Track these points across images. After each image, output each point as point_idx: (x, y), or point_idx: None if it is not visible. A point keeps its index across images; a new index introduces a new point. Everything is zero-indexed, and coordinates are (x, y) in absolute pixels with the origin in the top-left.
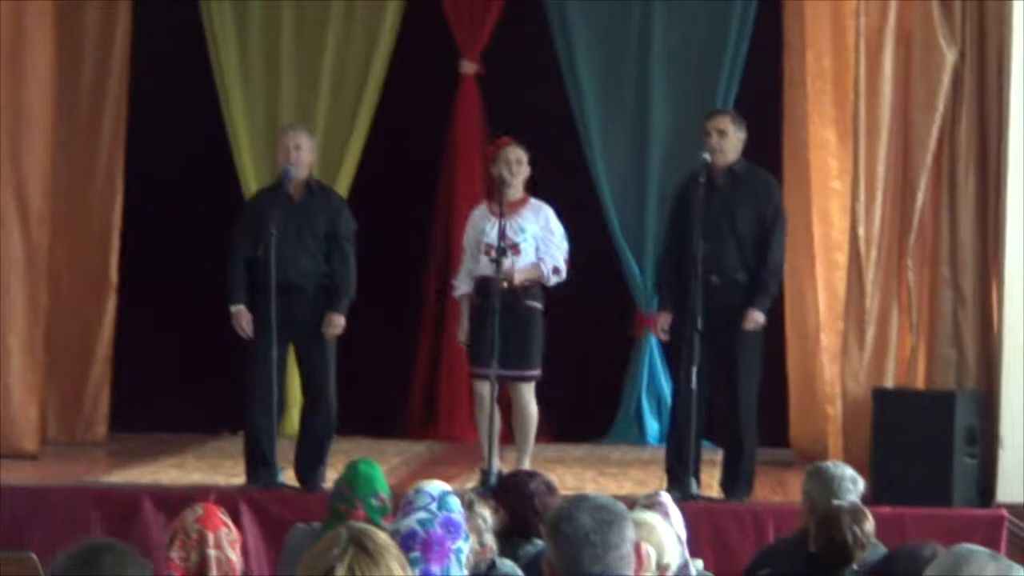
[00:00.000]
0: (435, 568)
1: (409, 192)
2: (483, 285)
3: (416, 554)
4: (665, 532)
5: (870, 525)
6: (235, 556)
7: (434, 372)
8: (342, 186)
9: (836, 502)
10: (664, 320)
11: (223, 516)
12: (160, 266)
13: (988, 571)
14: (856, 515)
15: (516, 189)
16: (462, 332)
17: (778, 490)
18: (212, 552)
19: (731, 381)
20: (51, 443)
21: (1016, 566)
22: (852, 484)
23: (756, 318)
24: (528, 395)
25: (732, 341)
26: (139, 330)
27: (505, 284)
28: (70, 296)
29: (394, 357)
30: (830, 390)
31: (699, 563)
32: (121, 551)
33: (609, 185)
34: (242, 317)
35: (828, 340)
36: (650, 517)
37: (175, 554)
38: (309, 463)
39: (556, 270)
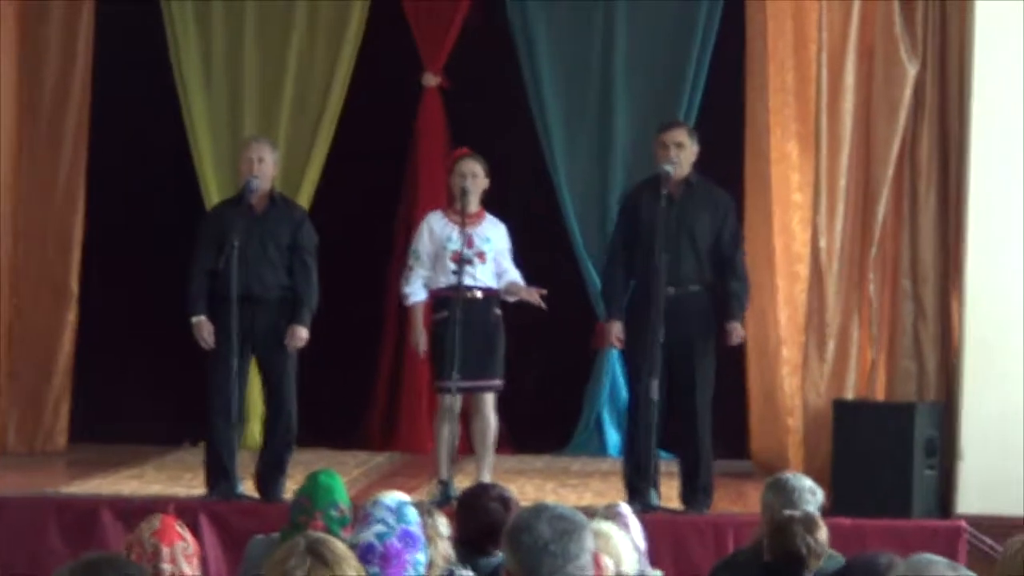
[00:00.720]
0: None
1: (372, 204)
2: (446, 296)
3: (375, 568)
4: (621, 541)
5: (823, 534)
6: (190, 570)
7: (395, 384)
8: (304, 197)
9: (788, 512)
10: (618, 328)
11: (180, 529)
12: (122, 276)
13: None
14: (808, 524)
15: (474, 202)
16: (422, 340)
17: (738, 501)
18: (167, 567)
19: (687, 392)
20: (10, 453)
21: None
22: (811, 495)
23: (739, 331)
24: (492, 405)
25: (689, 353)
26: (100, 340)
27: (479, 294)
28: (31, 305)
29: (355, 369)
30: (790, 402)
31: (658, 574)
32: (121, 563)
33: (571, 197)
34: (203, 328)
35: (789, 352)
36: (605, 526)
37: None
38: (269, 474)
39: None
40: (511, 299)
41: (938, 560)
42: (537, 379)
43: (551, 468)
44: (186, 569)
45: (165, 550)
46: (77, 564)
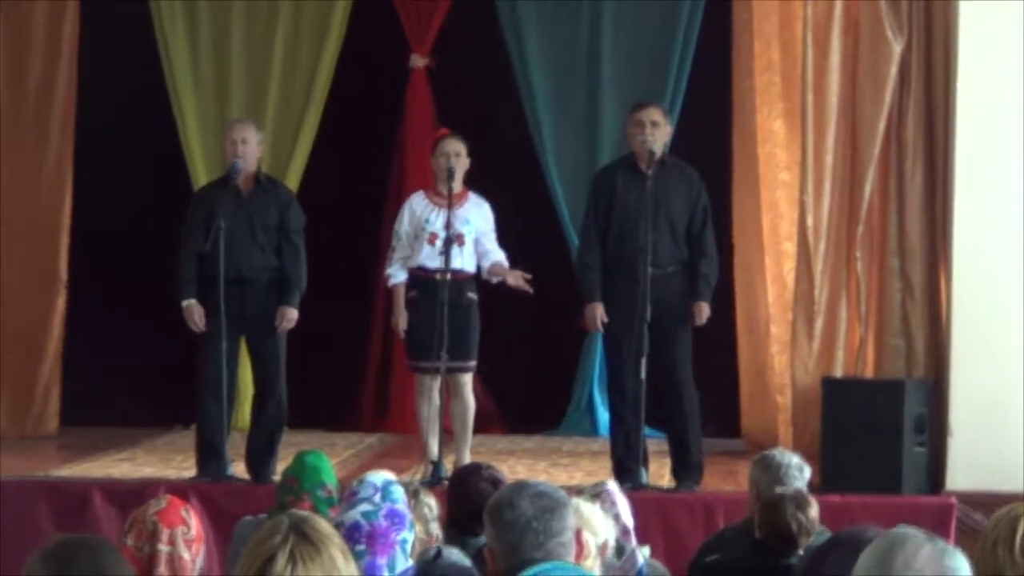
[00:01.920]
0: (381, 560)
1: (360, 186)
2: (425, 275)
3: (361, 547)
4: (591, 511)
5: (814, 512)
6: (189, 555)
7: (386, 365)
8: (293, 179)
9: (779, 489)
10: (601, 311)
11: (186, 514)
12: (110, 261)
13: (923, 553)
14: (799, 502)
15: (457, 181)
16: (401, 320)
17: (729, 479)
18: (163, 548)
19: (671, 372)
20: (2, 437)
21: (952, 548)
22: (798, 472)
23: (706, 311)
24: (469, 386)
25: (669, 332)
26: (90, 325)
27: (449, 276)
28: (20, 292)
29: (346, 350)
30: (780, 380)
31: (646, 550)
32: (94, 544)
33: (560, 177)
34: (193, 311)
35: (778, 331)
36: (580, 504)
37: (130, 542)
38: (260, 456)
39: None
40: (495, 280)
41: (915, 532)
42: (528, 360)
43: (542, 448)
44: (184, 553)
45: (164, 531)
46: (51, 546)
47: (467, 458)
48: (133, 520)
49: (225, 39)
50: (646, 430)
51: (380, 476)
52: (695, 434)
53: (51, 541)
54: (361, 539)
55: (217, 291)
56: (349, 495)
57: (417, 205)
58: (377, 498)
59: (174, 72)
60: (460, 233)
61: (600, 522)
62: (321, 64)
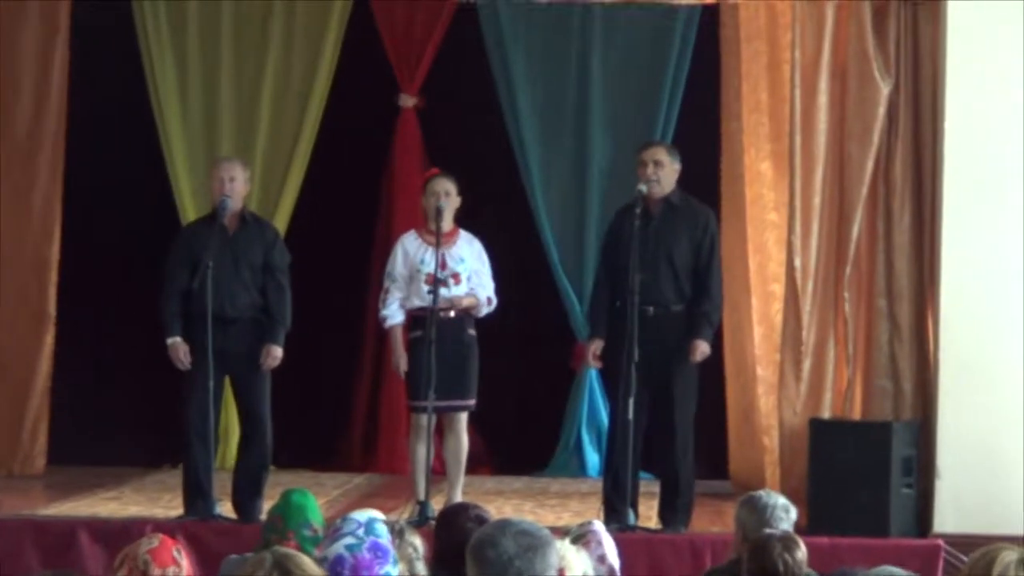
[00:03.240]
0: None
1: (349, 224)
2: (421, 316)
3: None
4: (563, 548)
5: (802, 553)
6: None
7: (374, 405)
8: (282, 217)
9: (767, 531)
10: (596, 347)
11: (177, 554)
12: (99, 298)
13: None
14: (787, 543)
15: (447, 220)
16: (402, 362)
17: (716, 521)
18: None
19: (667, 412)
20: None
21: None
22: (784, 513)
23: (703, 348)
24: (464, 425)
25: (669, 372)
26: (78, 363)
27: (452, 314)
28: (8, 328)
29: (334, 389)
30: (767, 421)
31: None
32: None
33: (548, 217)
34: (178, 349)
35: (765, 372)
36: (560, 545)
37: None
38: (246, 494)
39: (489, 300)
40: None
41: (899, 572)
42: (516, 400)
43: (530, 489)
44: None
45: (156, 571)
46: None
47: (459, 497)
48: (124, 557)
49: (214, 78)
50: (642, 473)
51: (364, 513)
52: (687, 477)
53: None
54: (344, 571)
55: (203, 329)
56: (332, 531)
57: (410, 245)
58: (360, 532)
59: (163, 109)
60: (456, 272)
61: (574, 558)
62: (310, 102)
